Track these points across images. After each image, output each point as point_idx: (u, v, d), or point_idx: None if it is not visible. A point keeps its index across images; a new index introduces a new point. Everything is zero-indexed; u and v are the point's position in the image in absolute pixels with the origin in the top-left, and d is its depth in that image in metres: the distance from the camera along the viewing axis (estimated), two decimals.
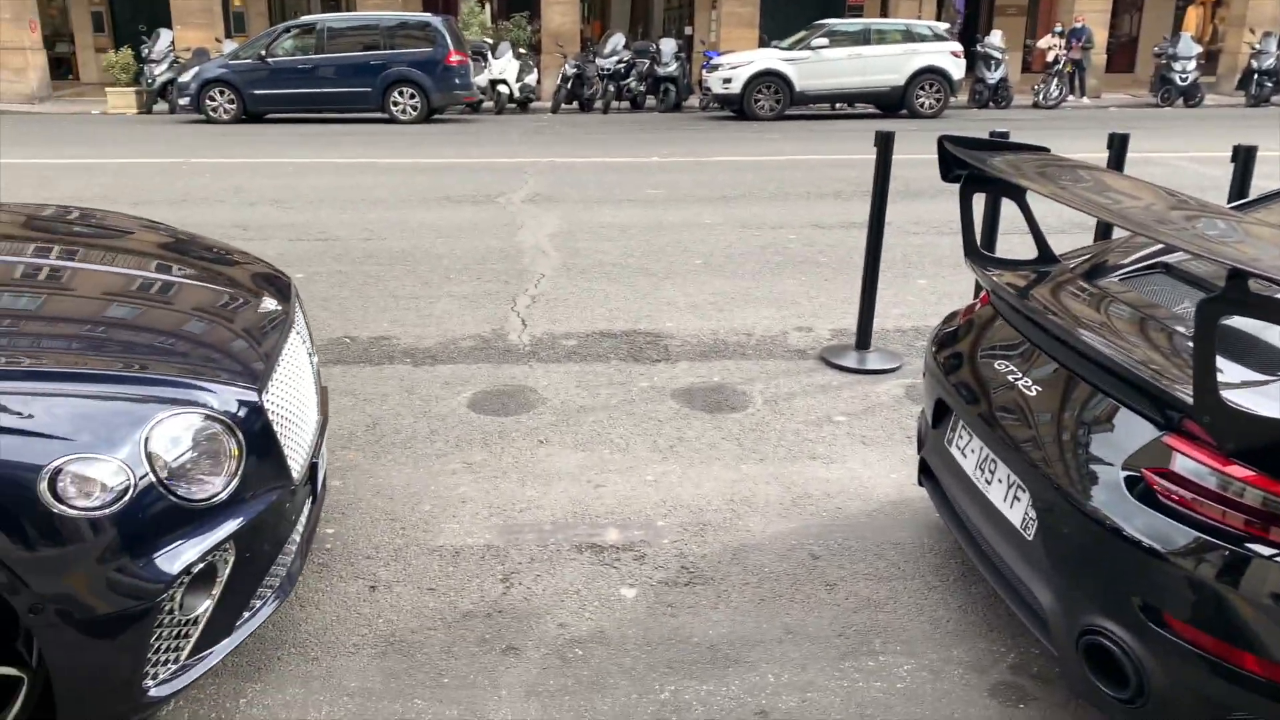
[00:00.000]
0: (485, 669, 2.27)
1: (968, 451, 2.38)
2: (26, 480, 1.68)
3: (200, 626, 1.93)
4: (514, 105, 17.52)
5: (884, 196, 4.14)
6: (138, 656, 1.83)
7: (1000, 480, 2.19)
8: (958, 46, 16.20)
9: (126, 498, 1.76)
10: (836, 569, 2.71)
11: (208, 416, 1.91)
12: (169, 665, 1.90)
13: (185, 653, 1.92)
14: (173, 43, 17.66)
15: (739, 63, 15.77)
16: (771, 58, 15.78)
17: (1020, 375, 2.24)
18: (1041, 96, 17.61)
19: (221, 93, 15.17)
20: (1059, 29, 18.25)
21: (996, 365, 2.35)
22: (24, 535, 1.68)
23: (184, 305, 2.37)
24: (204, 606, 1.92)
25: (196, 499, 1.86)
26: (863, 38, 15.93)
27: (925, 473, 2.69)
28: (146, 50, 17.55)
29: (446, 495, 3.09)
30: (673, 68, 17.16)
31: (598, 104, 17.37)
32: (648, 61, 17.30)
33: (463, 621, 2.45)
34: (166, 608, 1.84)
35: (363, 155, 10.98)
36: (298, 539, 2.21)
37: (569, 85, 17.27)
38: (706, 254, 6.29)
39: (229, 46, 17.24)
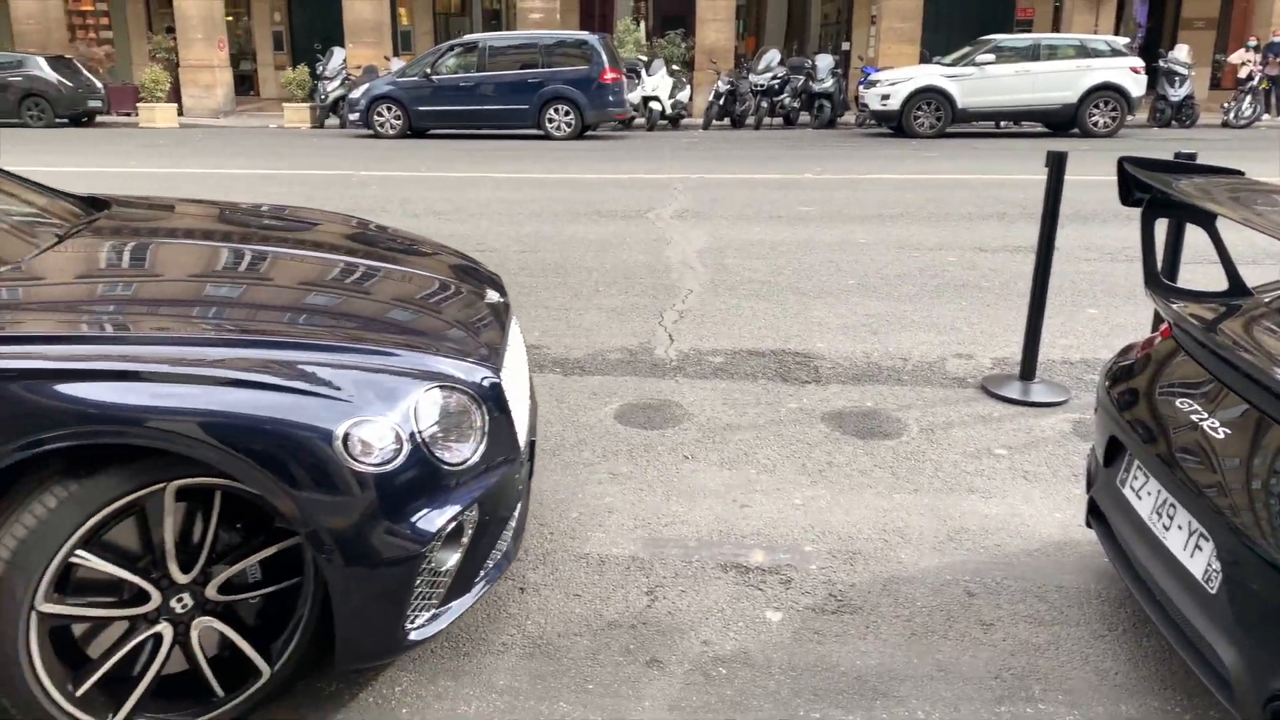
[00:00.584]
0: (629, 679, 2.29)
1: (1143, 494, 2.23)
2: (324, 437, 1.92)
3: (449, 581, 2.14)
4: (665, 122, 17.73)
5: (1054, 219, 3.96)
6: (403, 601, 2.05)
7: (1180, 527, 2.04)
8: (1138, 62, 15.35)
9: (400, 458, 1.99)
10: (993, 608, 2.59)
11: (461, 391, 2.14)
12: (425, 613, 2.12)
13: (436, 603, 2.14)
14: (345, 61, 18.76)
15: (898, 79, 15.45)
16: (933, 74, 15.38)
17: (1205, 415, 2.08)
18: (1232, 115, 16.46)
19: (388, 109, 15.99)
20: (1253, 43, 17.05)
21: (1178, 403, 2.20)
22: (320, 485, 1.91)
23: (431, 294, 2.71)
24: (453, 562, 2.14)
25: (452, 463, 2.08)
26: (1032, 53, 15.33)
27: (1094, 514, 2.54)
28: (321, 68, 18.72)
29: (593, 504, 3.14)
30: (828, 84, 16.98)
31: (750, 120, 17.37)
32: (803, 78, 17.19)
33: (607, 630, 2.47)
34: (428, 559, 2.06)
35: (518, 170, 11.34)
36: (517, 515, 2.39)
37: (721, 101, 17.35)
38: (860, 274, 6.17)
39: (396, 64, 18.16)
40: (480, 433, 2.16)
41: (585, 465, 3.42)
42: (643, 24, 23.58)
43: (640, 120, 17.52)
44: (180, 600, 2.00)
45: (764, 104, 17.21)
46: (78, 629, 2.00)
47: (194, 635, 2.03)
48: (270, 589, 2.09)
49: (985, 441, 3.64)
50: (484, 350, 2.35)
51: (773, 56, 17.46)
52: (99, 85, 19.42)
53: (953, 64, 15.57)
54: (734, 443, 3.62)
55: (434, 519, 2.04)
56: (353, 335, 2.21)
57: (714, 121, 17.46)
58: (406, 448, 2.00)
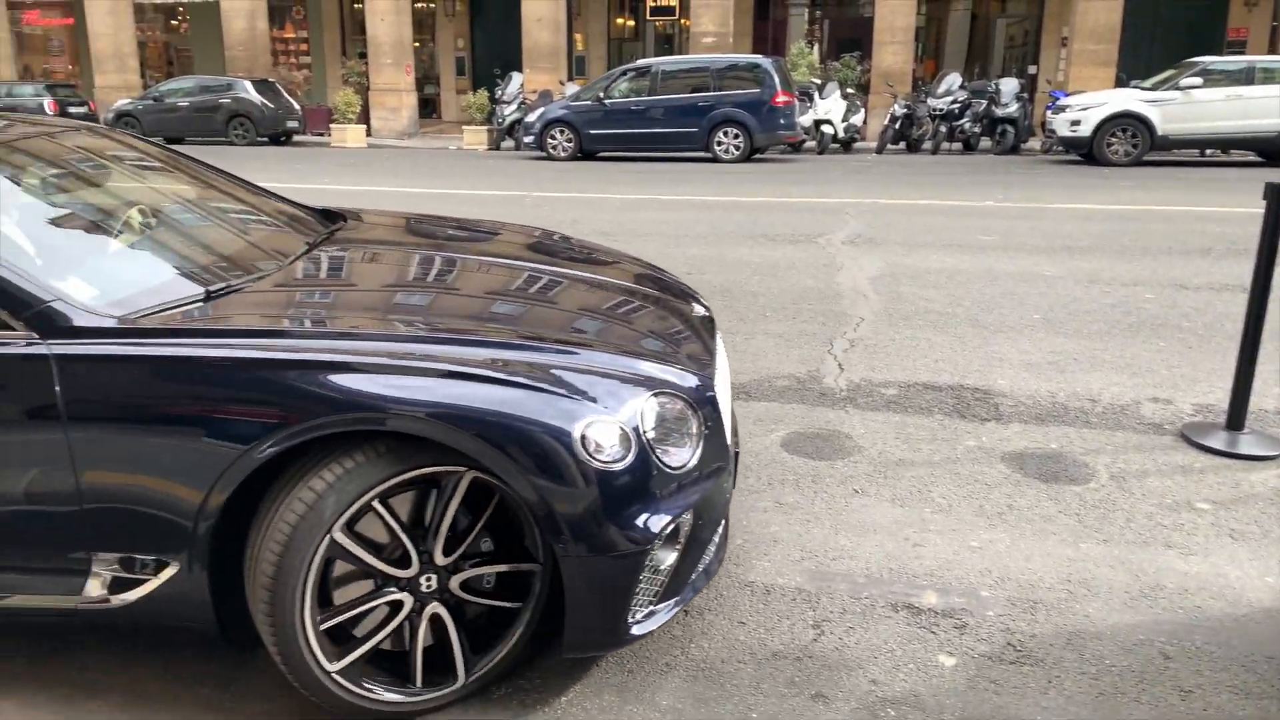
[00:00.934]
0: (793, 712, 2.24)
1: None
2: (566, 435, 2.06)
3: (665, 580, 2.25)
4: (837, 145, 17.50)
5: (1272, 257, 3.63)
6: (627, 595, 2.17)
7: None
8: None
9: (629, 458, 2.11)
10: (1193, 674, 2.38)
11: (680, 398, 2.27)
12: (643, 609, 2.22)
13: (653, 600, 2.24)
14: (522, 85, 19.50)
15: (1090, 103, 14.64)
16: (1130, 98, 14.48)
17: None
18: None
19: (561, 132, 16.48)
20: None
21: None
22: (561, 479, 2.05)
23: (643, 306, 2.89)
24: (670, 561, 2.25)
25: (672, 466, 2.19)
26: (1245, 77, 14.18)
27: None
28: (499, 92, 19.53)
29: (758, 532, 3.10)
30: (1012, 108, 16.30)
31: (927, 144, 16.91)
32: (985, 101, 16.57)
33: (772, 660, 2.43)
34: (650, 556, 2.17)
35: (685, 193, 11.44)
36: (722, 527, 2.48)
37: (897, 125, 16.97)
38: (1046, 309, 5.86)
39: (571, 89, 18.70)
40: (697, 439, 2.27)
41: (751, 492, 3.39)
42: (817, 47, 23.43)
43: (811, 144, 17.35)
44: (428, 580, 2.17)
45: (942, 129, 16.70)
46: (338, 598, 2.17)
47: (424, 619, 2.18)
48: (496, 602, 2.25)
49: (1185, 494, 3.37)
50: (699, 360, 2.51)
51: (953, 80, 16.94)
52: (297, 107, 21.02)
53: (1153, 88, 14.62)
54: (906, 479, 3.50)
55: (657, 518, 2.15)
56: (583, 341, 2.44)
57: (888, 146, 17.09)
58: (634, 449, 2.12)
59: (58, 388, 2.03)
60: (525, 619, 2.26)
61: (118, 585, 2.14)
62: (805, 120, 16.90)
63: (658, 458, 2.16)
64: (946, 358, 4.90)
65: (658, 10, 25.75)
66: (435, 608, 2.18)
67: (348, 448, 2.05)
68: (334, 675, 2.11)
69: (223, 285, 2.45)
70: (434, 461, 2.08)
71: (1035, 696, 2.30)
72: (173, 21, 29.02)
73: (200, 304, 2.33)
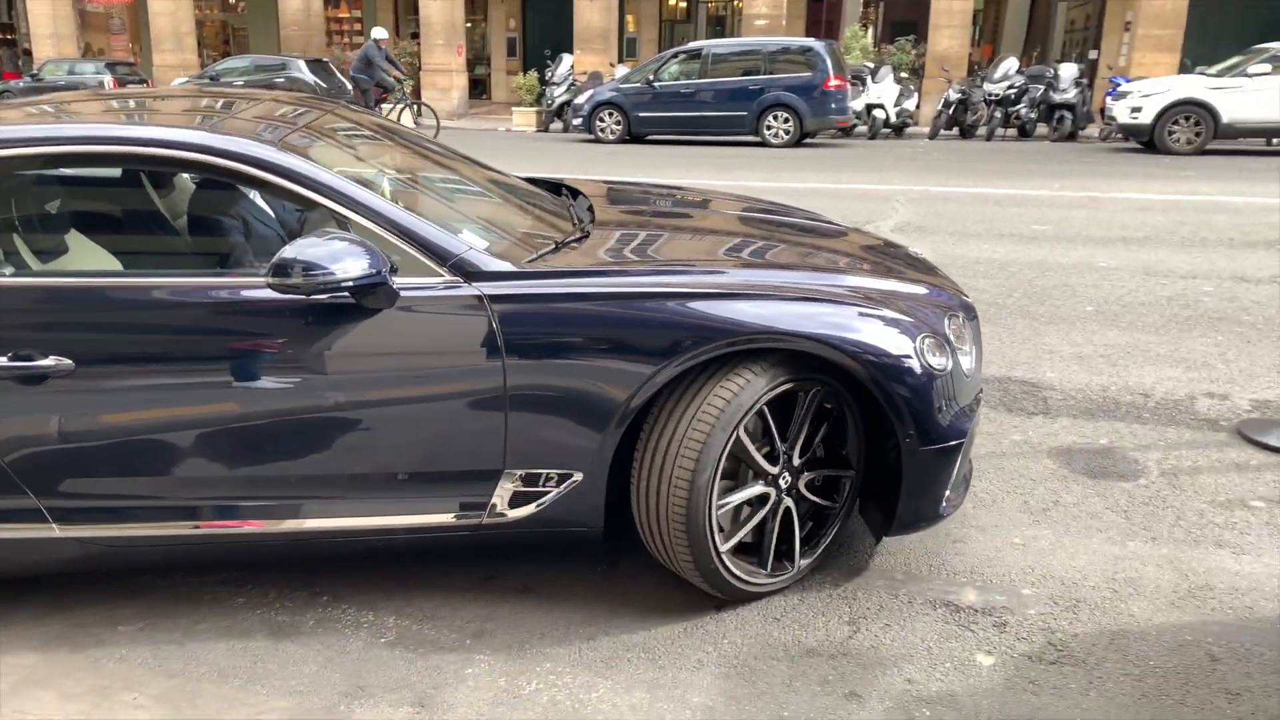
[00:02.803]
0: (826, 710, 2.21)
1: None
2: (911, 346, 2.49)
3: (957, 471, 2.65)
4: (889, 130, 17.22)
5: None
6: (944, 480, 2.61)
7: None
8: None
9: (949, 364, 2.54)
10: (1242, 677, 2.31)
11: (965, 314, 2.78)
12: (951, 496, 2.66)
13: (953, 492, 2.67)
14: (572, 67, 19.44)
15: (1152, 90, 14.22)
16: (1194, 85, 14.04)
17: None
18: None
19: (610, 114, 16.40)
20: None
21: None
22: (910, 384, 2.45)
23: (897, 249, 3.36)
24: (958, 462, 2.64)
25: (966, 371, 2.64)
26: None
27: None
28: (549, 73, 19.50)
29: None
30: (1071, 94, 15.90)
31: (981, 130, 16.58)
32: (1042, 87, 16.17)
33: (806, 658, 2.40)
34: (963, 447, 2.61)
35: (733, 177, 11.34)
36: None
37: (951, 111, 16.66)
38: (1099, 300, 5.71)
39: (621, 71, 18.61)
40: (975, 348, 2.75)
41: None
42: (871, 30, 23.06)
43: (862, 128, 17.10)
44: (785, 479, 2.58)
45: (998, 114, 16.34)
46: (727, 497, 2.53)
47: (795, 504, 2.61)
48: (822, 501, 2.69)
49: (1239, 491, 3.27)
50: (960, 291, 2.98)
51: (1010, 64, 16.56)
52: (349, 87, 21.20)
53: (1219, 74, 14.16)
54: None
55: (965, 414, 2.60)
56: (894, 271, 2.89)
57: (942, 131, 16.78)
58: (950, 356, 2.55)
59: (495, 323, 2.34)
60: (839, 515, 2.70)
61: (517, 499, 2.47)
62: (857, 105, 16.64)
63: (959, 364, 2.58)
64: (994, 349, 4.79)
65: None
66: (787, 503, 2.58)
67: (740, 363, 2.40)
68: (723, 556, 2.48)
69: (566, 239, 2.80)
70: (798, 375, 2.45)
71: (1075, 697, 2.25)
72: (230, 1, 29.43)
73: (563, 252, 2.67)
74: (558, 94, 19.05)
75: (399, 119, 15.51)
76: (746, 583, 2.56)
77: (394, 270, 2.33)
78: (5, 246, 2.57)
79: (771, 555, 2.60)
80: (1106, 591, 2.68)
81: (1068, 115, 15.94)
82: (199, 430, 2.39)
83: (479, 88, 26.61)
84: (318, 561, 2.83)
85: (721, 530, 2.49)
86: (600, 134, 16.48)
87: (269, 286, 2.26)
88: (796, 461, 2.57)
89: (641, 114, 16.19)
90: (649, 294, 2.42)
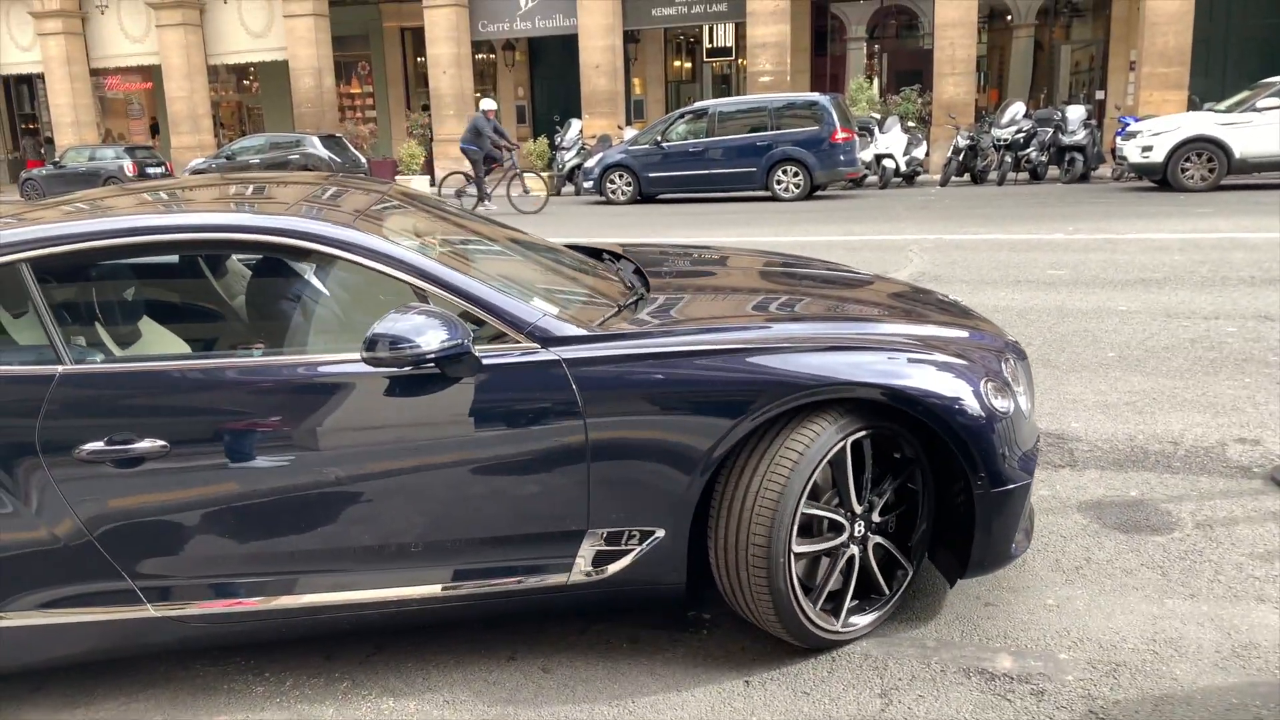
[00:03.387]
0: None
1: None
2: (976, 391, 2.54)
3: (1023, 514, 2.70)
4: (899, 179, 17.31)
5: None
6: (1014, 522, 2.64)
7: None
8: None
9: (1012, 406, 2.60)
10: None
11: (1017, 356, 2.88)
12: (1019, 538, 2.71)
13: (1022, 535, 2.73)
14: (581, 131, 19.76)
15: (1162, 129, 14.23)
16: (1204, 122, 14.04)
17: None
18: None
19: (620, 176, 16.61)
20: None
21: None
22: (976, 427, 2.50)
23: (935, 295, 3.43)
24: (1025, 503, 2.70)
25: (1025, 411, 2.70)
26: None
27: None
28: (558, 138, 19.82)
29: None
30: (1080, 136, 15.95)
31: (992, 175, 16.64)
32: (1051, 130, 16.24)
33: None
34: (1029, 490, 2.67)
35: (745, 234, 11.41)
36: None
37: (960, 157, 16.74)
38: (1120, 345, 5.64)
39: (629, 133, 18.88)
40: (1030, 389, 2.83)
41: None
42: (876, 81, 23.34)
43: (872, 179, 17.20)
44: (859, 525, 2.62)
45: (1008, 159, 16.40)
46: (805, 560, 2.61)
47: (869, 550, 2.65)
48: (901, 509, 2.71)
49: (1278, 542, 3.17)
50: (1001, 332, 3.03)
51: (1017, 109, 16.67)
52: (363, 160, 21.60)
53: (1228, 110, 14.18)
54: None
55: (1029, 456, 2.66)
56: (953, 321, 2.95)
57: (952, 178, 16.86)
58: (1011, 398, 2.61)
59: (574, 386, 2.41)
60: (915, 561, 2.73)
61: (601, 559, 2.50)
62: (866, 155, 16.77)
63: (1019, 405, 2.65)
64: None
65: (714, 52, 25.97)
66: (857, 551, 2.62)
67: (811, 414, 2.46)
68: (803, 604, 2.53)
69: (625, 301, 2.88)
70: (868, 424, 2.51)
71: None
72: (244, 82, 30.21)
73: (625, 315, 2.73)
74: (568, 158, 19.34)
75: (508, 191, 15.66)
76: (827, 631, 2.60)
77: (474, 340, 2.41)
78: (89, 336, 2.66)
79: (848, 605, 2.63)
80: (1147, 654, 2.59)
81: (1078, 157, 15.98)
82: (297, 503, 2.43)
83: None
84: (335, 646, 2.79)
85: (799, 579, 2.54)
86: (611, 195, 16.67)
87: (363, 361, 2.34)
88: (867, 510, 2.62)
89: (651, 174, 16.39)
90: (714, 350, 2.52)
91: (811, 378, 2.45)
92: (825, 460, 2.46)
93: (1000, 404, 2.56)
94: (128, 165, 22.17)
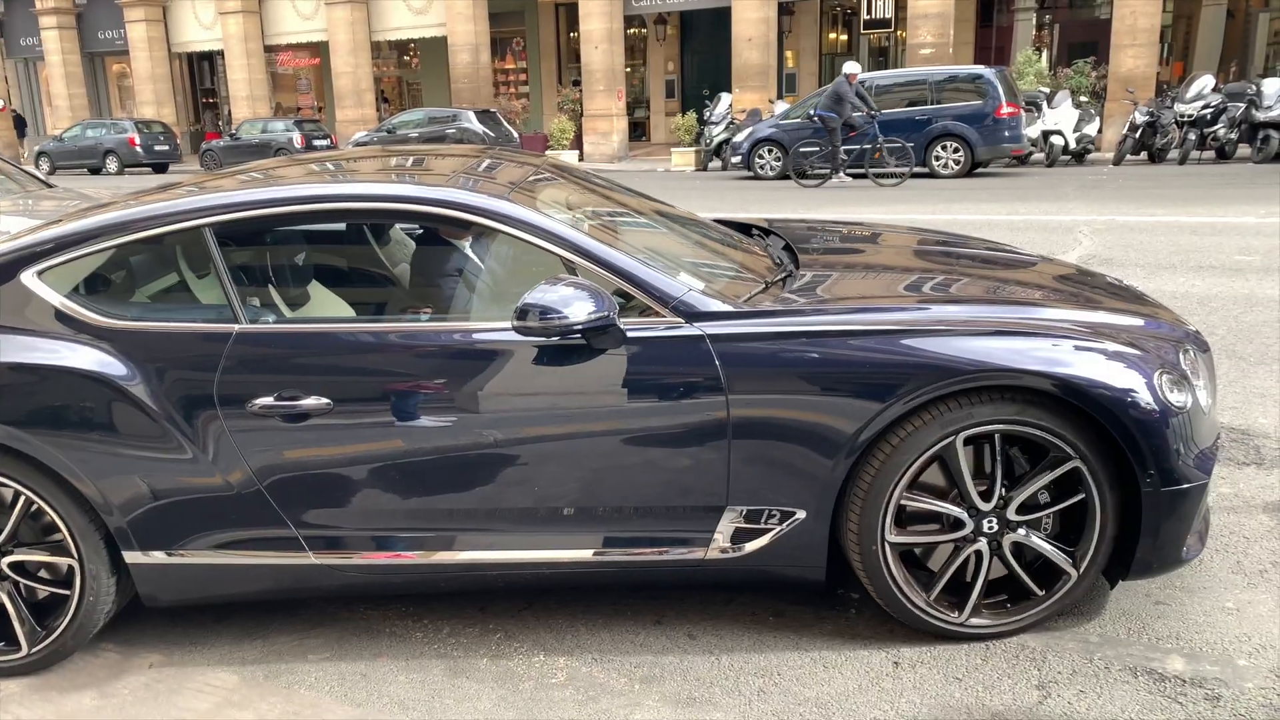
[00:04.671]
0: None
1: None
2: (1151, 384, 2.41)
3: (1200, 517, 2.57)
4: (1068, 157, 16.36)
5: None
6: (1186, 524, 2.49)
7: None
8: None
9: (1189, 400, 2.45)
10: None
11: (1198, 347, 2.69)
12: (1192, 542, 2.55)
13: (1197, 539, 2.57)
14: (730, 105, 19.49)
15: None
16: None
17: None
18: None
19: (769, 150, 16.34)
20: None
21: None
22: (1149, 421, 2.37)
23: (1101, 276, 3.27)
24: (1208, 499, 2.60)
25: (1204, 407, 2.52)
26: None
27: None
28: (707, 113, 19.64)
29: None
30: (1276, 111, 14.59)
31: (1173, 154, 15.50)
32: (1243, 105, 14.94)
33: None
34: (1207, 490, 2.52)
35: (900, 211, 11.05)
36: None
37: (1138, 134, 15.65)
38: None
39: (780, 107, 18.48)
40: (1212, 384, 2.66)
41: None
42: (1045, 53, 22.09)
43: (1039, 156, 16.33)
44: (989, 521, 2.51)
45: (1191, 136, 15.22)
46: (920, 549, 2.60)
47: (1005, 548, 2.53)
48: (1060, 506, 2.53)
49: None
50: (1181, 321, 2.83)
51: (1205, 83, 15.42)
52: (515, 135, 22.04)
53: None
54: None
55: (1206, 453, 2.50)
56: (1123, 306, 2.78)
57: (1128, 156, 15.80)
58: (1188, 392, 2.46)
59: (717, 361, 2.42)
60: (1081, 567, 2.52)
61: (740, 536, 2.51)
62: (1032, 131, 15.91)
63: (1198, 399, 2.49)
64: None
65: (872, 24, 25.17)
66: (1016, 536, 2.54)
67: (963, 398, 2.40)
68: (906, 592, 2.52)
69: (773, 278, 2.83)
70: (1019, 414, 2.40)
71: None
72: (404, 58, 31.38)
73: (772, 292, 2.70)
74: (716, 132, 19.15)
75: (867, 164, 14.61)
76: (945, 622, 2.56)
77: (620, 312, 2.45)
78: (263, 297, 2.84)
79: (974, 598, 2.55)
80: None
81: (1274, 134, 14.64)
82: (446, 463, 2.53)
83: (638, 130, 27.14)
84: (489, 598, 2.90)
85: (903, 567, 2.54)
86: (759, 170, 16.45)
87: (514, 329, 2.41)
88: (1001, 506, 2.51)
89: (802, 149, 16.06)
90: (864, 331, 2.46)
91: (970, 363, 2.36)
92: (924, 454, 2.42)
93: (1176, 398, 2.42)
94: (296, 137, 23.45)
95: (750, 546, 2.51)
